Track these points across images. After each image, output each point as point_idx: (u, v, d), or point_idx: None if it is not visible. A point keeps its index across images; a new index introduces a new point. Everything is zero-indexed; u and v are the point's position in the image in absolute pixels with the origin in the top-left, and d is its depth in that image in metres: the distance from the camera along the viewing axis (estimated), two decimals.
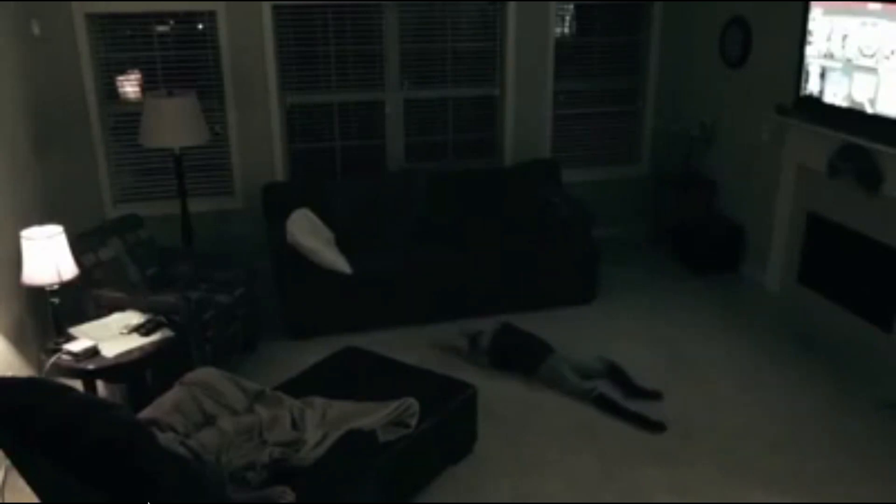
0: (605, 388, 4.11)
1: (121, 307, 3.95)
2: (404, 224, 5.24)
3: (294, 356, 4.39)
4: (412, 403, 3.24)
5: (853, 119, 4.33)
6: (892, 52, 4.03)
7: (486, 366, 4.38)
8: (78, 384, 3.35)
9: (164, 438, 2.74)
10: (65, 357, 3.51)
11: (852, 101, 4.35)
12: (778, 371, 4.38)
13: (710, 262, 5.70)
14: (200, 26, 5.29)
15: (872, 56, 4.16)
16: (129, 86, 5.35)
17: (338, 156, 5.81)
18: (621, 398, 4.05)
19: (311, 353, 4.20)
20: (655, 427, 3.82)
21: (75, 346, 3.53)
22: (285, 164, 5.64)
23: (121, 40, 5.21)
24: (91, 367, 3.48)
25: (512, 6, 5.70)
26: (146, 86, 5.31)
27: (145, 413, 3.00)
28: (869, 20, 4.15)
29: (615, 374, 4.21)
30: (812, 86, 4.65)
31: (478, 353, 4.44)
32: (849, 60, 4.34)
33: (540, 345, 4.37)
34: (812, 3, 4.57)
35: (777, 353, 4.57)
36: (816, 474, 3.51)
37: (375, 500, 2.99)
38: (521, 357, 4.33)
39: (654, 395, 4.08)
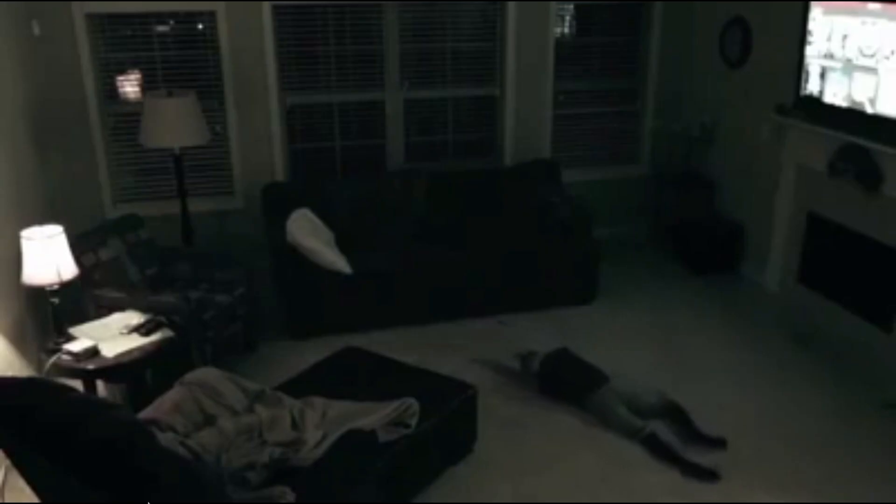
0: (660, 428, 3.72)
1: (121, 307, 3.95)
2: (404, 224, 5.24)
3: (294, 356, 4.39)
4: (412, 403, 3.24)
5: (853, 119, 4.33)
6: (892, 52, 4.03)
7: (536, 391, 4.13)
8: (78, 384, 3.35)
9: (164, 438, 2.74)
10: (65, 357, 3.51)
11: (852, 101, 4.34)
12: (778, 371, 4.38)
13: (710, 262, 5.70)
14: (200, 26, 5.29)
15: (872, 56, 4.16)
16: (129, 86, 5.35)
17: (338, 156, 5.80)
18: (678, 442, 3.67)
19: (311, 353, 4.20)
20: (709, 476, 3.45)
21: (75, 346, 3.53)
22: (285, 164, 5.64)
23: (121, 40, 5.21)
24: (91, 367, 3.48)
25: (512, 6, 5.70)
26: (146, 86, 5.31)
27: (145, 413, 3.00)
28: (869, 20, 4.15)
29: (674, 413, 3.81)
30: (812, 86, 4.65)
31: (528, 376, 4.20)
32: (849, 60, 4.33)
33: (593, 374, 4.02)
34: (812, 3, 4.57)
35: (777, 353, 4.57)
36: (817, 474, 3.51)
37: (375, 500, 2.99)
38: (571, 385, 4.03)
39: (718, 443, 3.65)
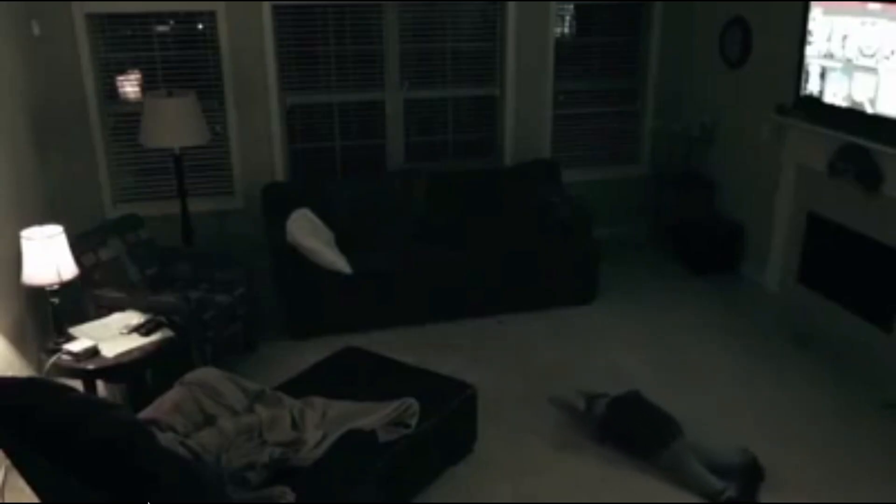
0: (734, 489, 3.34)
1: (121, 307, 3.95)
2: (404, 224, 5.24)
3: (294, 356, 4.38)
4: (412, 403, 3.24)
5: (853, 119, 4.33)
6: (892, 52, 4.03)
7: (597, 438, 3.72)
8: (78, 384, 3.35)
9: (164, 438, 2.74)
10: (65, 357, 3.51)
11: (852, 101, 4.34)
12: (778, 371, 4.38)
13: (710, 262, 5.70)
14: (200, 26, 5.29)
15: (872, 56, 4.16)
16: (129, 86, 5.35)
17: (338, 156, 5.80)
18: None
19: (311, 353, 4.20)
20: None
21: (75, 346, 3.53)
22: (285, 164, 5.64)
23: (121, 40, 5.21)
24: (91, 367, 3.48)
25: (512, 6, 5.70)
26: (146, 86, 5.31)
27: (145, 413, 3.00)
28: (869, 20, 4.15)
29: (751, 475, 3.40)
30: (812, 86, 4.65)
31: (591, 419, 3.78)
32: (849, 60, 4.33)
33: (666, 424, 3.58)
34: (812, 3, 4.57)
35: (777, 352, 4.57)
36: (816, 474, 3.51)
37: (375, 500, 2.99)
38: (639, 436, 3.60)
39: None
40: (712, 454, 3.46)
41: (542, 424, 3.90)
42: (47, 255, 3.48)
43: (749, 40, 5.46)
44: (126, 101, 5.33)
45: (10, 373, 3.51)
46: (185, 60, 5.30)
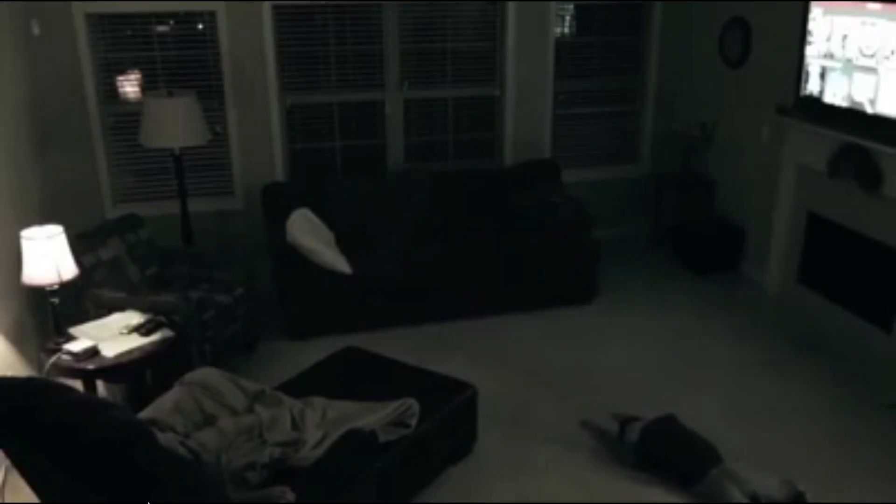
0: None
1: (121, 307, 3.95)
2: (404, 224, 5.24)
3: (294, 356, 4.39)
4: (412, 404, 3.24)
5: (853, 119, 4.33)
6: (892, 52, 4.03)
7: (630, 465, 3.57)
8: (78, 384, 3.35)
9: (164, 438, 2.74)
10: (65, 357, 3.51)
11: (852, 101, 4.34)
12: (778, 371, 4.38)
13: (710, 262, 5.70)
14: (200, 26, 5.29)
15: (872, 56, 4.16)
16: (129, 86, 5.35)
17: (338, 156, 5.80)
18: None
19: (311, 353, 4.20)
20: None
21: (75, 346, 3.52)
22: (285, 164, 5.64)
23: (121, 40, 5.21)
24: (91, 367, 3.48)
25: (512, 6, 5.70)
26: (146, 86, 5.31)
27: (145, 413, 3.00)
28: (869, 20, 4.15)
29: None
30: (812, 86, 4.65)
31: (625, 445, 3.65)
32: (849, 60, 4.33)
33: (704, 451, 3.45)
34: (812, 3, 4.57)
35: (777, 353, 4.57)
36: (816, 474, 3.50)
37: (375, 500, 2.99)
38: (678, 464, 3.45)
39: None
40: (751, 483, 3.26)
41: (543, 424, 3.90)
42: (47, 255, 3.48)
43: (749, 40, 5.46)
44: (126, 101, 5.33)
45: (10, 373, 3.52)
46: (185, 60, 5.30)
